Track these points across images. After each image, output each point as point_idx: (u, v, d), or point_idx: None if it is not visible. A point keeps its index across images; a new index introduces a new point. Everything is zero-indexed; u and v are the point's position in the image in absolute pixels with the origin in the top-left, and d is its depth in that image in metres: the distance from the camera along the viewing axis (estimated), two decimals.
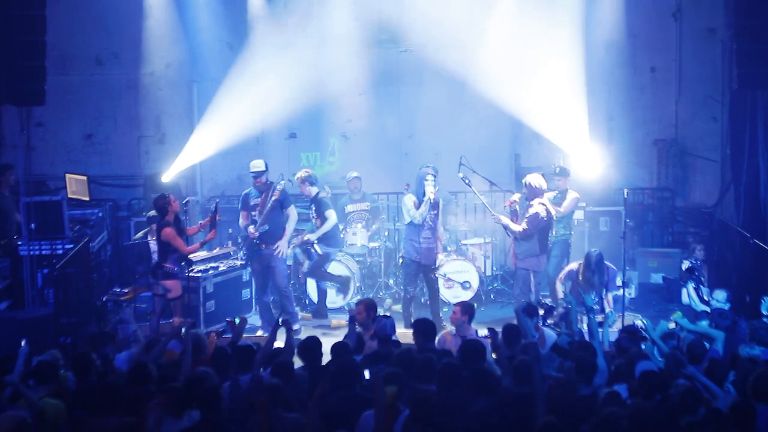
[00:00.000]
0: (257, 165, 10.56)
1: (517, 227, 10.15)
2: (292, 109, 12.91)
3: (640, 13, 13.42)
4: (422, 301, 11.21)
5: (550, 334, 8.27)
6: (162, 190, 11.64)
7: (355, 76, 12.94)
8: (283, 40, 13.22)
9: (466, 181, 10.55)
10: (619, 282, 10.58)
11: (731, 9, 11.31)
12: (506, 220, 10.30)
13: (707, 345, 7.86)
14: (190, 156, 12.65)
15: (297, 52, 13.16)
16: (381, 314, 8.05)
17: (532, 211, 10.03)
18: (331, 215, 10.90)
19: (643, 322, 7.99)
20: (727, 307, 9.79)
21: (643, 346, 7.74)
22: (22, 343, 6.64)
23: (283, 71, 12.93)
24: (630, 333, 7.93)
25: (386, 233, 12.07)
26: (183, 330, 7.54)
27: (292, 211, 10.58)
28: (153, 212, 10.60)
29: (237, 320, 7.85)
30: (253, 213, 10.48)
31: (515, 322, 8.12)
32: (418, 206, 10.19)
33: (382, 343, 7.59)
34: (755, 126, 11.82)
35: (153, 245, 10.59)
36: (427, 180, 10.15)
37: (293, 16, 13.32)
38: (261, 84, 12.49)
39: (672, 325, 8.43)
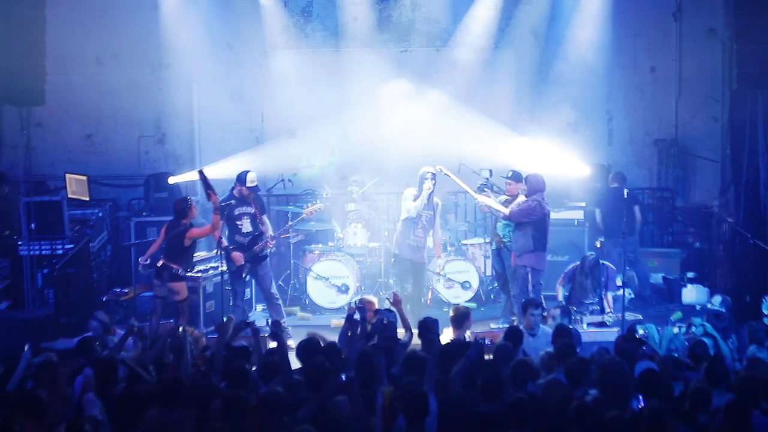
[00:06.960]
0: (254, 179, 10.24)
1: (503, 208, 10.21)
2: (292, 109, 12.94)
3: (640, 13, 13.42)
4: (423, 300, 11.18)
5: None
6: (166, 189, 11.64)
7: (356, 76, 12.94)
8: (283, 40, 13.25)
9: (445, 173, 10.49)
10: (618, 282, 10.58)
11: (731, 9, 11.31)
12: (490, 201, 10.35)
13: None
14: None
15: (298, 52, 13.19)
16: (386, 308, 8.09)
17: (526, 203, 10.04)
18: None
19: (645, 330, 8.03)
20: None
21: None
22: (25, 347, 6.65)
23: (282, 71, 12.98)
24: (630, 335, 7.94)
25: (386, 233, 12.05)
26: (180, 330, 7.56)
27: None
28: None
29: (225, 319, 7.78)
30: (238, 222, 10.20)
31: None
32: (416, 199, 10.36)
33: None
34: (755, 126, 11.82)
35: None
36: (426, 178, 10.33)
37: (293, 16, 13.36)
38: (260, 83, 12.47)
39: (675, 330, 8.43)
